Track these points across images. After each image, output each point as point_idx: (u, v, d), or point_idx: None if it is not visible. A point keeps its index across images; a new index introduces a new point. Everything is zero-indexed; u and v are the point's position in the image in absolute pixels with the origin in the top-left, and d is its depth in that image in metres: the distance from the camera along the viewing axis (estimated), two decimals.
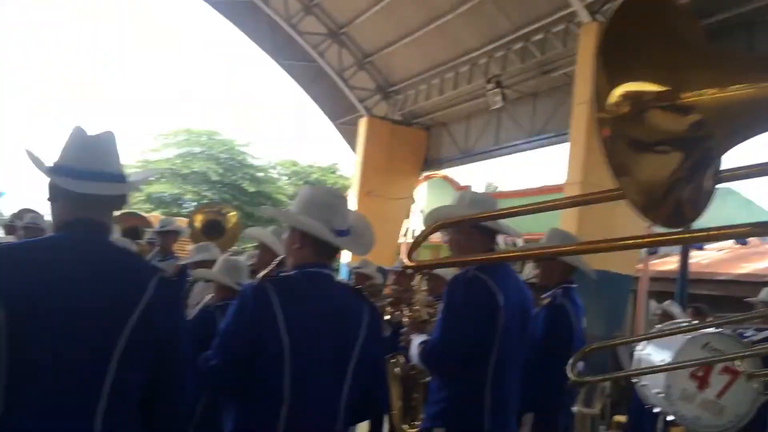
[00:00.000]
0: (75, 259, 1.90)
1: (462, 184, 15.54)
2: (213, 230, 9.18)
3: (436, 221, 3.01)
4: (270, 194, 27.83)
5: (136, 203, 24.79)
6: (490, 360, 2.88)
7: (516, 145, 13.28)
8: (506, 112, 13.12)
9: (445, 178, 16.12)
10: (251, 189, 26.25)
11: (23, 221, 6.52)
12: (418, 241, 2.82)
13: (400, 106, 15.36)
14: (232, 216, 9.74)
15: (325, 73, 15.71)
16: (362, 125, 15.57)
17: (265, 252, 4.80)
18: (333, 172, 34.82)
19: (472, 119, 14.43)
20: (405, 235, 16.30)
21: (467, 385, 2.88)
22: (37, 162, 2.03)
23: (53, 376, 1.81)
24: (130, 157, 25.41)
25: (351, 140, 17.26)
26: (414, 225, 17.03)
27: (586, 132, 9.79)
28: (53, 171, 1.96)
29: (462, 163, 15.09)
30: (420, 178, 16.05)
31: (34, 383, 1.80)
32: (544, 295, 3.73)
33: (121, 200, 2.07)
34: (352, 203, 15.79)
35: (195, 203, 24.73)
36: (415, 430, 3.28)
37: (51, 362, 1.81)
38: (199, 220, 9.46)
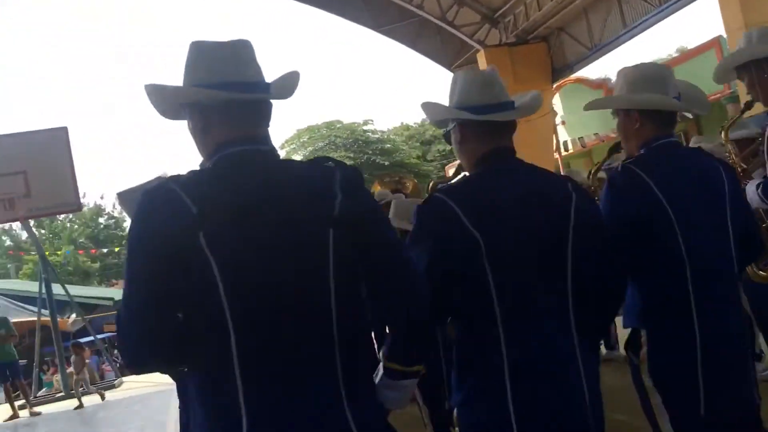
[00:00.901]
0: (516, 185, 2.11)
1: (597, 81, 15.14)
2: None
3: (738, 63, 3.07)
4: (403, 161, 28.13)
5: None
6: None
7: (646, 20, 12.73)
8: None
9: (579, 81, 15.76)
10: (386, 162, 26.64)
11: None
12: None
13: (512, 27, 15.12)
14: (410, 183, 10.15)
15: (429, 23, 15.72)
16: (480, 60, 15.47)
17: None
18: None
19: (591, 12, 14.00)
20: (557, 149, 16.12)
21: None
22: (438, 110, 2.26)
23: (525, 294, 2.02)
24: None
25: None
26: (563, 137, 16.80)
27: None
28: (469, 110, 2.14)
29: (593, 60, 14.66)
30: (552, 90, 15.77)
31: (516, 302, 2.00)
32: None
33: (515, 126, 2.27)
34: None
35: None
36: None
37: (521, 283, 2.01)
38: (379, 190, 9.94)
